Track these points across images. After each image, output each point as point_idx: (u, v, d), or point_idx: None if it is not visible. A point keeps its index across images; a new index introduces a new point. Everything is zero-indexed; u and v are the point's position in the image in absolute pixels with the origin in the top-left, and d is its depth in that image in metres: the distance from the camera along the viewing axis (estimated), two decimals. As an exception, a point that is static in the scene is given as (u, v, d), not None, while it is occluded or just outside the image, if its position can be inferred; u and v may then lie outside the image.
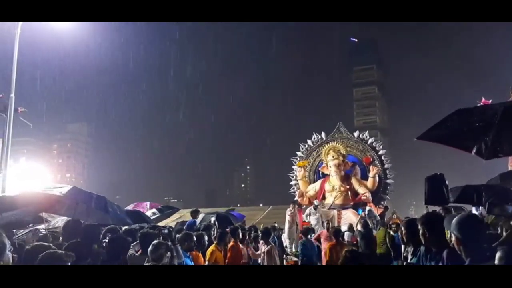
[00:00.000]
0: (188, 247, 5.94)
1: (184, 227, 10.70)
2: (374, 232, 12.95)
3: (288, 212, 17.30)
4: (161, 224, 12.33)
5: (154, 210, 13.71)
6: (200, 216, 12.49)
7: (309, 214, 17.62)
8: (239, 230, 8.63)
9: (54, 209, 8.10)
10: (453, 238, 3.09)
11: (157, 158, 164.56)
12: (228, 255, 7.68)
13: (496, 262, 2.09)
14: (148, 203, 14.90)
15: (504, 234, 5.26)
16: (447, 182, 8.73)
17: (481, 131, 3.83)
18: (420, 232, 3.77)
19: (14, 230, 8.51)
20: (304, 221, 17.68)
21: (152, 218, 12.53)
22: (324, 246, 11.57)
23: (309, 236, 13.01)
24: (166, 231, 7.35)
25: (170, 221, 15.59)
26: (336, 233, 10.27)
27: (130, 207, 13.90)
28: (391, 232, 12.32)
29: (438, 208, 9.33)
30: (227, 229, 8.75)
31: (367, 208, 16.93)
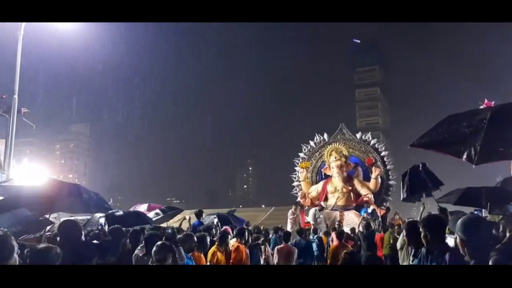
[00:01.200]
0: (189, 248, 5.93)
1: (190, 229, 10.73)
2: (377, 234, 12.92)
3: (290, 214, 17.34)
4: (163, 225, 12.36)
5: (157, 210, 13.68)
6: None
7: (314, 215, 17.65)
8: (246, 231, 8.65)
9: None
10: (457, 240, 3.09)
11: (159, 158, 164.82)
12: (233, 256, 7.67)
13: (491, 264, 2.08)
14: (146, 205, 14.89)
15: (508, 234, 5.26)
16: (426, 171, 8.78)
17: (470, 137, 3.90)
18: (422, 234, 3.77)
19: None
20: (307, 222, 17.69)
21: (155, 219, 12.55)
22: (335, 243, 11.71)
23: (311, 237, 13.00)
24: (169, 231, 7.34)
25: (173, 222, 15.60)
26: (339, 234, 10.26)
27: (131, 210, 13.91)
28: (396, 234, 12.28)
29: (436, 210, 9.34)
30: (236, 230, 8.79)
31: (371, 207, 16.89)
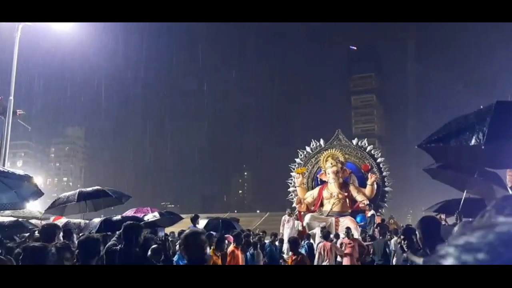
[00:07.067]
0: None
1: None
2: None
3: (283, 219, 17.42)
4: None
5: (155, 213, 13.62)
6: (202, 222, 12.54)
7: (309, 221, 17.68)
8: (243, 236, 8.71)
9: None
10: (417, 236, 3.21)
11: (155, 163, 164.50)
12: (228, 259, 7.77)
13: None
14: (148, 209, 14.87)
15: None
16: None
17: (476, 123, 4.00)
18: (418, 236, 3.79)
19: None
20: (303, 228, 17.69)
21: (151, 220, 12.48)
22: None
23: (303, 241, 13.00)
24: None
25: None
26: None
27: (131, 213, 13.84)
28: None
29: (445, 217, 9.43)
30: (231, 234, 8.84)
31: (371, 212, 16.86)
